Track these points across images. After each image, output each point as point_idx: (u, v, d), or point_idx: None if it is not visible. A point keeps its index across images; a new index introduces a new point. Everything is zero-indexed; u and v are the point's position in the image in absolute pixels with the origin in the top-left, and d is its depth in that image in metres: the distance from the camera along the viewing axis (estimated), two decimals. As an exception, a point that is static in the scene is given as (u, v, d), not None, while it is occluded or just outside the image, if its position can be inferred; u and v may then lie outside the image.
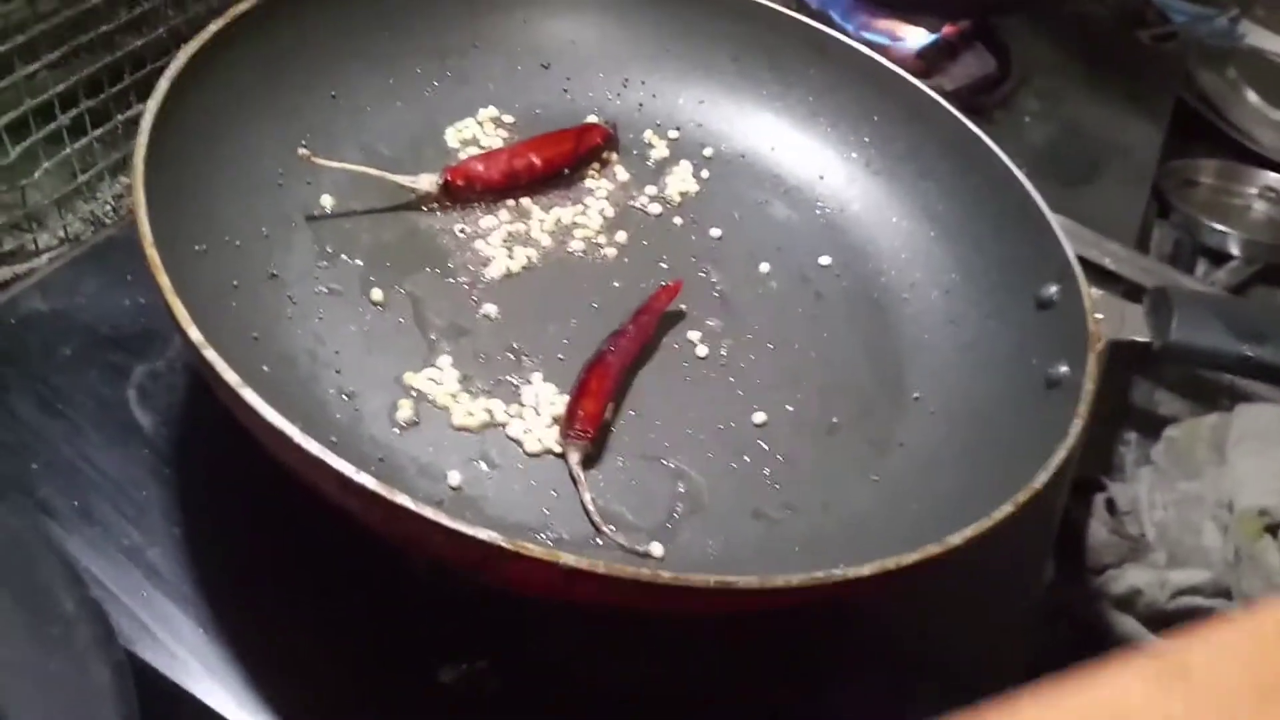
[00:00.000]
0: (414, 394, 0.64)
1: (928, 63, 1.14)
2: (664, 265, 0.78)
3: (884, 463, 0.68)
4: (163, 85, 0.63)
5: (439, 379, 0.65)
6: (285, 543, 0.63)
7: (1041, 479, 0.56)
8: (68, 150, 0.80)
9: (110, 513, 0.64)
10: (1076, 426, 0.59)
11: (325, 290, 0.68)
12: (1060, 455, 0.57)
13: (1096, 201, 1.09)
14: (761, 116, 0.87)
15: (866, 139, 0.85)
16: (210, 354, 0.51)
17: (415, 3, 0.81)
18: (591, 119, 0.85)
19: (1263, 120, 1.46)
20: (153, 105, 0.62)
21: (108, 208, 0.88)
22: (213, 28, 0.68)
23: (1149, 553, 0.88)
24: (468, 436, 0.64)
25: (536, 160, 0.77)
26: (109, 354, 0.72)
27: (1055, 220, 0.72)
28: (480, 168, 0.76)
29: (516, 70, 0.85)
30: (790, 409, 0.70)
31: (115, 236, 0.80)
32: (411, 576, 0.60)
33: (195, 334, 0.51)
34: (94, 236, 0.82)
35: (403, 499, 0.47)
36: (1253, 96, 1.48)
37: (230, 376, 0.50)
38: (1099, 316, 0.66)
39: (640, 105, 0.87)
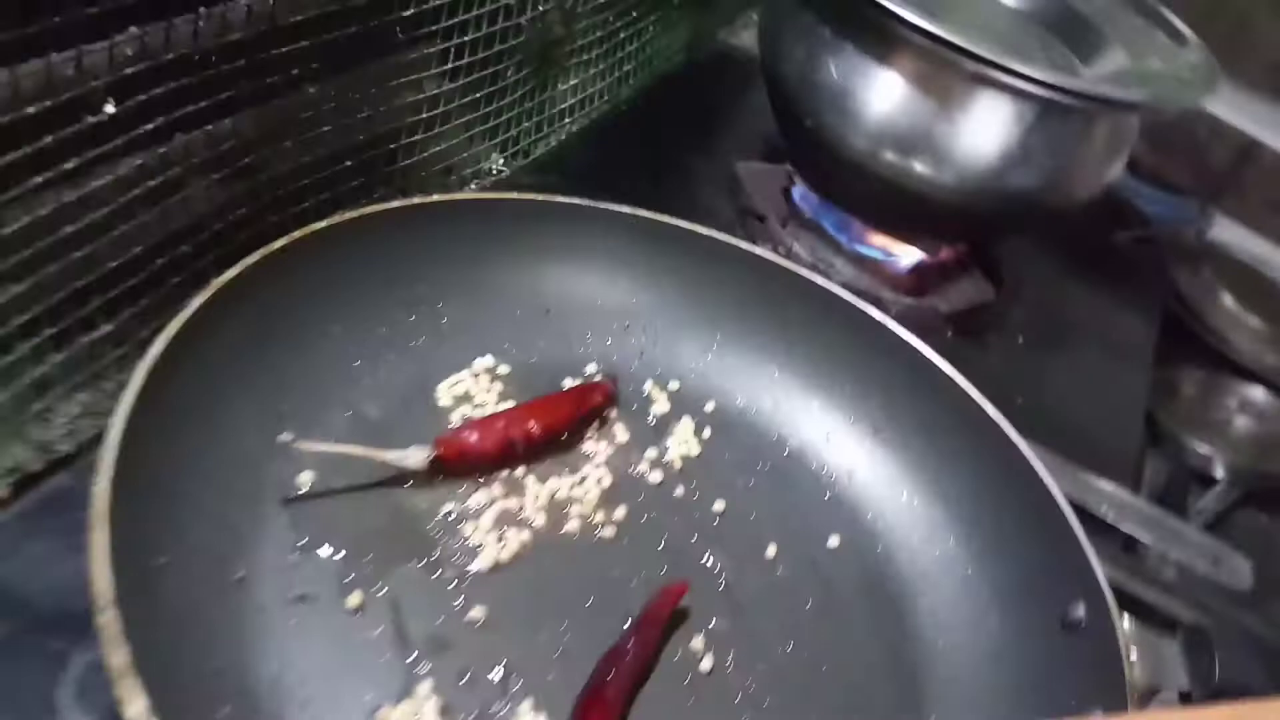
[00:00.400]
0: (390, 735, 0.58)
1: (922, 281, 1.12)
2: (664, 549, 0.72)
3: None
4: (138, 377, 0.57)
5: (418, 712, 0.59)
6: None
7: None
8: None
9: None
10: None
11: (297, 596, 0.62)
12: None
13: (1090, 433, 1.06)
14: (765, 371, 0.83)
15: (875, 404, 0.81)
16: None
17: (413, 250, 0.76)
18: (591, 369, 0.81)
19: (1239, 325, 1.46)
20: (126, 402, 0.56)
21: (61, 433, 0.80)
22: (195, 302, 0.62)
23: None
24: (452, 787, 0.57)
25: (535, 428, 0.72)
26: (46, 638, 0.64)
27: (1082, 531, 0.68)
28: (474, 439, 0.70)
29: (515, 316, 0.80)
30: (803, 740, 0.65)
31: (63, 485, 0.72)
32: None
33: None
34: (42, 474, 0.74)
35: None
36: (1228, 300, 1.49)
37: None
38: (1134, 660, 0.62)
39: (641, 353, 0.83)
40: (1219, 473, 1.22)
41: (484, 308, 0.79)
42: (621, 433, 0.79)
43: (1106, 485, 1.01)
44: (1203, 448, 1.22)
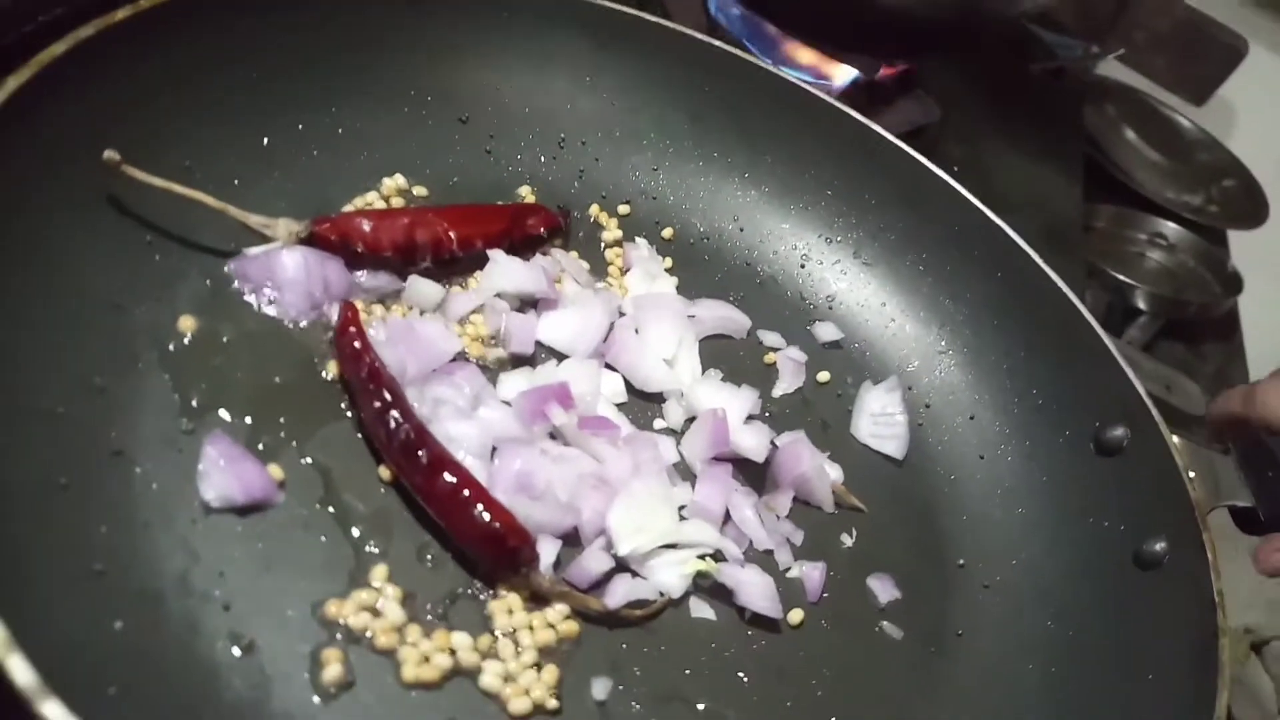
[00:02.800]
0: (342, 635, 0.45)
1: (852, 103, 1.01)
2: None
3: (946, 664, 0.54)
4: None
5: (376, 606, 0.46)
6: None
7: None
8: None
9: None
10: (1225, 650, 0.47)
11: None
12: (1222, 701, 0.45)
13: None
14: (727, 188, 0.71)
15: (853, 220, 0.70)
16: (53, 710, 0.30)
17: (288, 38, 0.59)
18: (524, 191, 0.67)
19: (1142, 161, 1.44)
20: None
21: None
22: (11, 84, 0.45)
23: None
24: (426, 696, 0.45)
25: (450, 234, 0.58)
26: None
27: (1111, 341, 0.60)
28: (365, 227, 0.56)
29: (427, 126, 0.65)
30: (827, 595, 0.55)
31: None
32: None
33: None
34: None
35: None
36: (1131, 136, 1.46)
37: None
38: (1193, 476, 0.55)
39: (582, 172, 0.69)
40: (1141, 304, 1.19)
41: (386, 115, 0.63)
42: (568, 264, 0.65)
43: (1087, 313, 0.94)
44: (1127, 280, 1.18)
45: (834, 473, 0.60)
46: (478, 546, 0.48)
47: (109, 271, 0.50)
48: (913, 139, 1.03)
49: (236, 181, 0.57)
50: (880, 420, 0.63)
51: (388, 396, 0.49)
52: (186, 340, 0.51)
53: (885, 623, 0.55)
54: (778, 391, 0.64)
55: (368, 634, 0.45)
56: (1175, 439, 0.57)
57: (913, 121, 1.00)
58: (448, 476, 0.47)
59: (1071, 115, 1.34)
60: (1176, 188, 1.42)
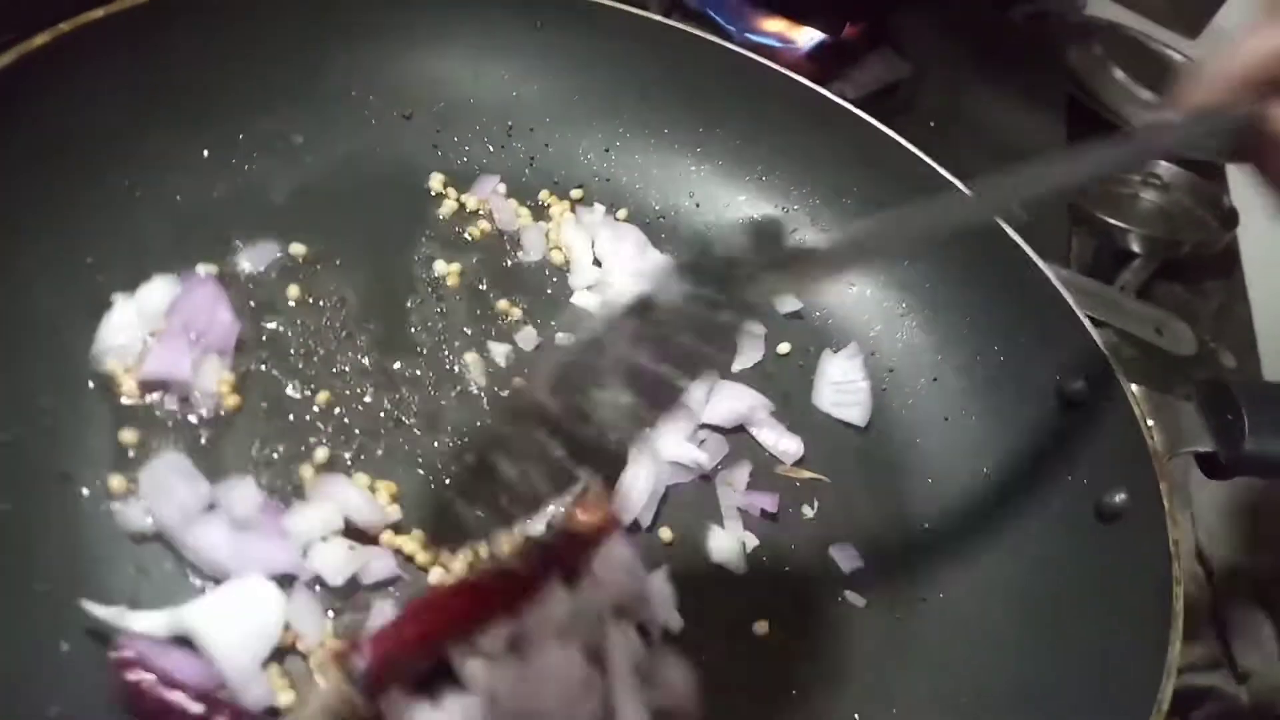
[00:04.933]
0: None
1: (820, 66, 1.00)
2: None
3: (913, 629, 0.54)
4: None
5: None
6: None
7: (1168, 690, 0.43)
8: None
9: None
10: (1179, 599, 0.46)
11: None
12: (1175, 649, 0.45)
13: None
14: (680, 165, 0.71)
15: (807, 189, 0.70)
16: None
17: (222, 44, 0.59)
18: (488, 181, 0.66)
19: (1131, 99, 1.41)
20: None
21: None
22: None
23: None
24: None
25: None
26: None
27: (1070, 296, 0.60)
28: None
29: (371, 125, 0.65)
30: (788, 569, 0.55)
31: None
32: None
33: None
34: None
35: None
36: (1120, 74, 1.43)
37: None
38: (1151, 423, 0.54)
39: (532, 159, 0.69)
40: (1135, 246, 1.16)
41: (329, 117, 0.64)
42: (529, 255, 0.65)
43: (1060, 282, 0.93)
44: (1119, 223, 1.16)
45: (794, 445, 0.60)
46: None
47: (50, 294, 0.50)
48: (886, 96, 1.02)
49: (178, 197, 0.57)
50: (842, 388, 0.63)
51: None
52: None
53: (848, 592, 0.55)
54: (737, 367, 0.63)
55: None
56: (1135, 388, 0.56)
57: (881, 79, 0.98)
58: None
59: (1052, 54, 1.32)
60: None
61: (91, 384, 0.50)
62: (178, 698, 0.39)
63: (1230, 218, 1.21)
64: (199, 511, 0.47)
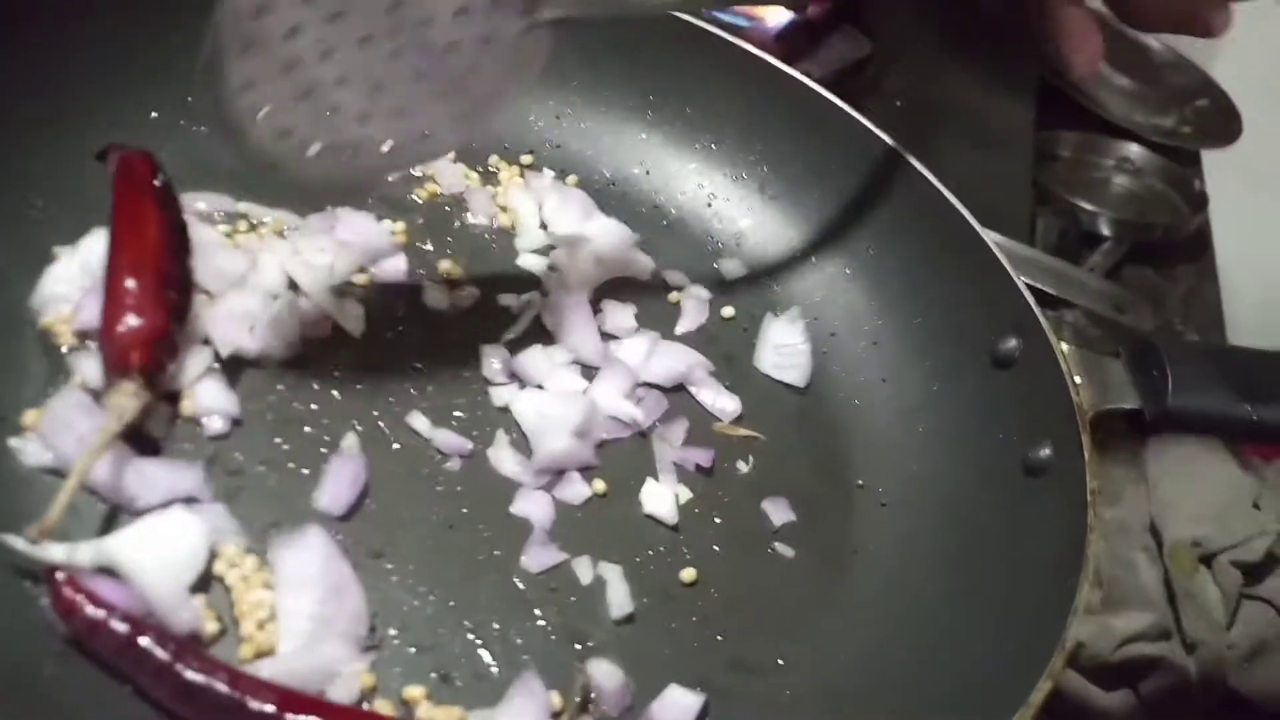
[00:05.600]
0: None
1: (789, 46, 1.00)
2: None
3: (842, 579, 0.55)
4: None
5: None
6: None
7: (1072, 629, 0.44)
8: None
9: None
10: (1091, 546, 0.47)
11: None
12: (1083, 592, 0.45)
13: (982, 193, 0.99)
14: (630, 132, 0.72)
15: (755, 157, 0.71)
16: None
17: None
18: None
19: (1106, 84, 1.41)
20: None
21: None
22: None
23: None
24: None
25: None
26: None
27: (1004, 257, 0.60)
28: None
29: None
30: (719, 521, 0.56)
31: None
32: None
33: None
34: None
35: None
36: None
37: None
38: (1079, 380, 0.55)
39: (481, 125, 0.69)
40: (1105, 229, 1.17)
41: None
42: (475, 217, 0.66)
43: (1003, 240, 0.94)
44: (1088, 206, 1.17)
45: (732, 404, 0.61)
46: None
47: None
48: (853, 76, 1.02)
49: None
50: (783, 351, 0.64)
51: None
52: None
53: (778, 543, 0.56)
54: (680, 329, 0.64)
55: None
56: (1065, 346, 0.57)
57: (845, 58, 0.99)
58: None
59: (1024, 38, 1.32)
60: (1146, 111, 1.39)
61: (29, 332, 0.51)
62: (106, 617, 0.40)
63: (1201, 201, 1.22)
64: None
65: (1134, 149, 1.30)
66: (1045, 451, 0.54)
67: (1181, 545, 0.82)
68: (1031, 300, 0.58)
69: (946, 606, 0.52)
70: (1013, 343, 0.58)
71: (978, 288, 0.61)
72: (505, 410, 0.57)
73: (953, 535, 0.55)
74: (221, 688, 0.40)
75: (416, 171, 0.66)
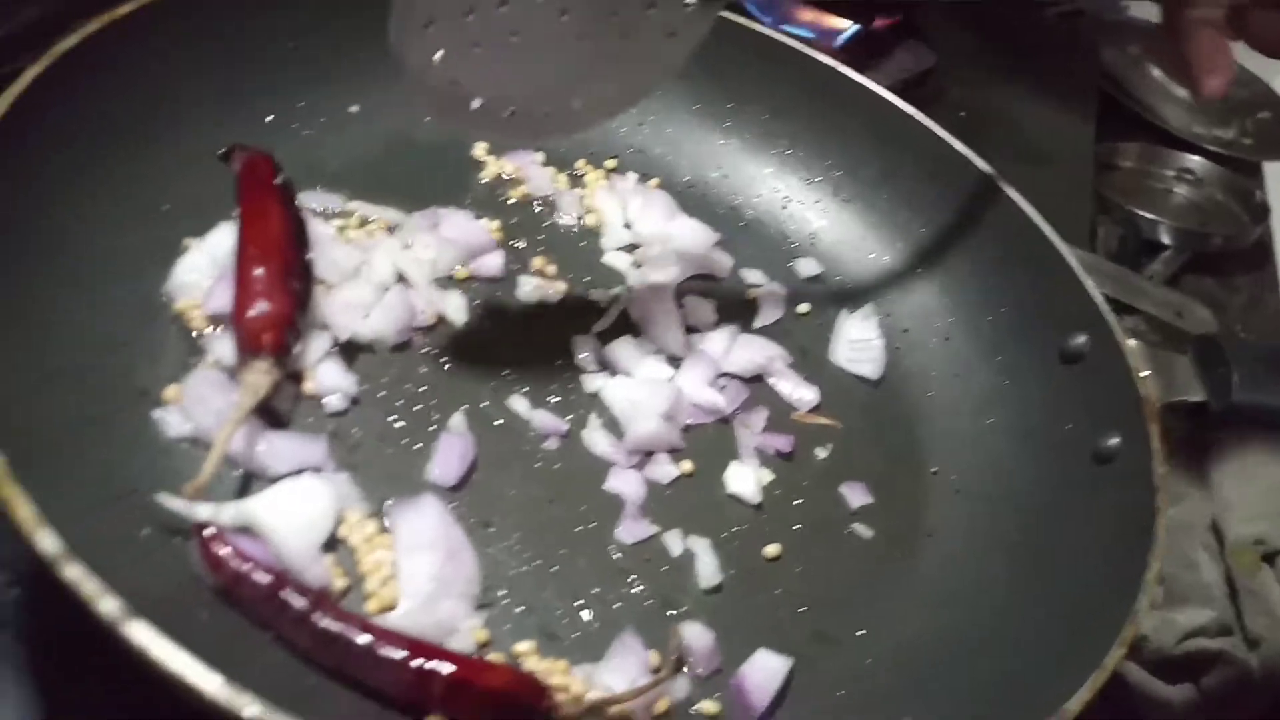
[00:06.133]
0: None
1: (854, 57, 1.03)
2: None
3: (917, 559, 0.58)
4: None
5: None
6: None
7: (1142, 601, 0.46)
8: None
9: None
10: (1161, 527, 0.50)
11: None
12: (1154, 567, 0.48)
13: (1043, 202, 1.01)
14: (710, 138, 0.75)
15: (830, 162, 0.74)
16: (73, 571, 0.36)
17: (296, 15, 0.65)
18: (527, 153, 0.71)
19: (1167, 97, 1.43)
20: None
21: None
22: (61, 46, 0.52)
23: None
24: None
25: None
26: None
27: (1074, 258, 0.63)
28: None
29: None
30: (799, 502, 0.59)
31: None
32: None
33: (48, 543, 0.36)
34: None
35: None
36: (1156, 73, 1.45)
37: (108, 606, 0.35)
38: (1145, 374, 0.57)
39: (569, 131, 0.73)
40: (1165, 238, 1.18)
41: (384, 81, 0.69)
42: (564, 217, 0.70)
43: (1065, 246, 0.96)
44: (1148, 215, 1.18)
45: (810, 394, 0.64)
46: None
47: (132, 238, 0.56)
48: (916, 86, 1.05)
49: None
50: (857, 346, 0.67)
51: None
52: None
53: (856, 524, 0.59)
54: (757, 324, 0.67)
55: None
56: (1132, 342, 0.59)
57: (910, 69, 1.02)
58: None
59: (1086, 52, 1.34)
60: (1206, 123, 1.40)
61: (165, 316, 0.56)
62: (251, 569, 0.44)
63: (1261, 212, 1.23)
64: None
65: (1195, 160, 1.31)
66: (1114, 440, 0.56)
67: (1243, 544, 0.83)
68: (1099, 298, 0.61)
69: (1018, 583, 0.55)
70: (1081, 339, 0.61)
71: (1047, 287, 0.64)
72: (596, 396, 0.60)
73: (1024, 519, 0.57)
74: (355, 635, 0.44)
75: (508, 174, 0.70)
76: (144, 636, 0.35)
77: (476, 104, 0.52)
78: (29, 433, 0.43)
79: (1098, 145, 1.25)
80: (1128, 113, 1.33)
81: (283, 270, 0.55)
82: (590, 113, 0.56)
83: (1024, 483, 0.59)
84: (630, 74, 0.55)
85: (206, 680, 0.35)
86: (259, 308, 0.53)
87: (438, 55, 0.50)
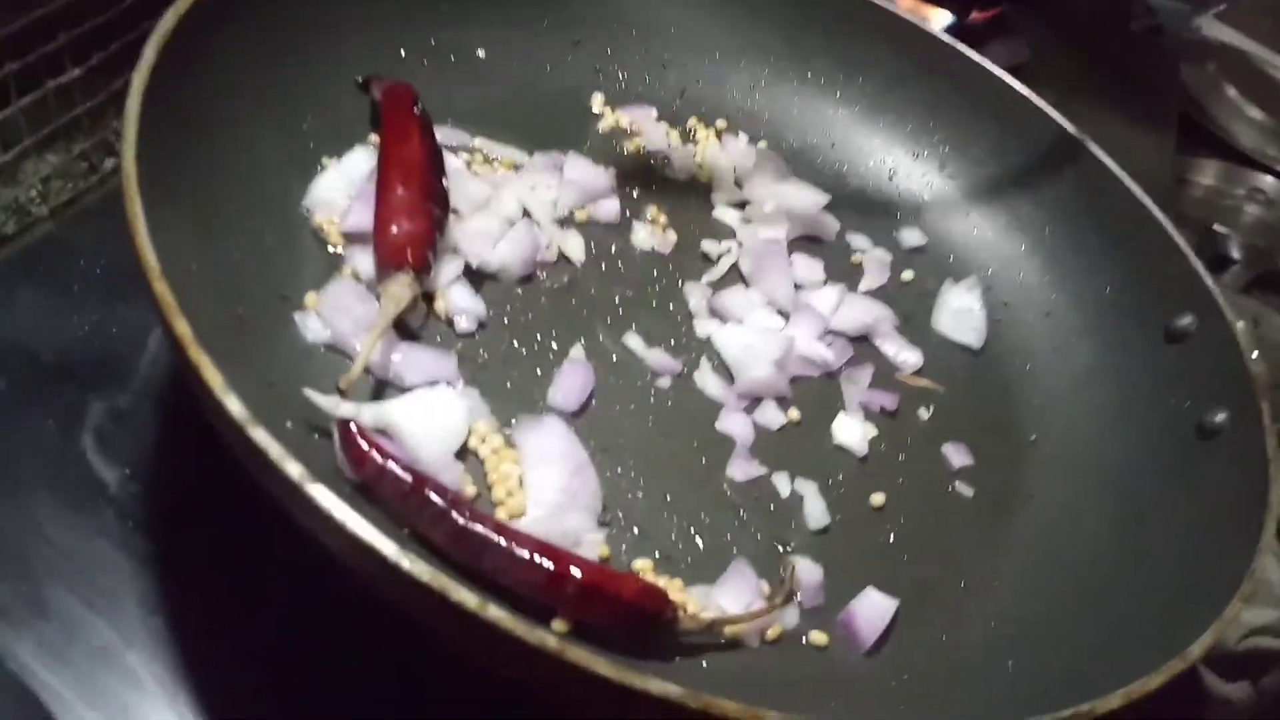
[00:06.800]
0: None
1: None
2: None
3: (1017, 521, 0.59)
4: (152, 47, 0.49)
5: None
6: (299, 628, 0.50)
7: (1258, 562, 0.47)
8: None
9: (72, 602, 0.50)
10: (1275, 495, 0.50)
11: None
12: (1270, 528, 0.49)
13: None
14: (820, 107, 0.76)
15: (938, 138, 0.75)
16: (260, 435, 0.38)
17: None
18: (643, 109, 0.73)
19: (1241, 117, 1.43)
20: (143, 72, 0.47)
21: (33, 193, 0.71)
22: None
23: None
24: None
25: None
26: (56, 388, 0.57)
27: (1182, 239, 0.64)
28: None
29: (545, 47, 0.72)
30: (902, 457, 0.60)
31: (52, 235, 0.64)
32: (446, 664, 0.48)
33: (235, 407, 0.38)
34: (19, 233, 0.65)
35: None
36: (1232, 93, 1.45)
37: (293, 469, 0.37)
38: (1255, 355, 0.58)
39: (683, 91, 0.75)
40: (1234, 253, 1.19)
41: (507, 39, 0.71)
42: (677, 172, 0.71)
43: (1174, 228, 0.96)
44: (1219, 229, 1.19)
45: (914, 357, 0.65)
46: (616, 626, 0.46)
47: (275, 154, 0.58)
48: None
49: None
50: (960, 315, 0.68)
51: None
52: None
53: (958, 482, 0.60)
54: (862, 287, 0.69)
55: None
56: (1240, 323, 0.60)
57: (1000, 63, 1.03)
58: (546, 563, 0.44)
59: (1168, 70, 1.35)
60: (1278, 144, 1.41)
61: (305, 229, 0.57)
62: (394, 466, 0.46)
63: (1329, 233, 1.23)
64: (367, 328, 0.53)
65: (1268, 180, 1.31)
66: (1220, 416, 0.57)
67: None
68: (1209, 278, 0.62)
69: (1116, 550, 0.55)
70: (1188, 319, 0.62)
71: (1153, 267, 0.65)
72: (708, 340, 0.62)
73: (1123, 490, 0.58)
74: (492, 535, 0.46)
75: (625, 125, 0.72)
76: (325, 498, 0.37)
77: None
78: (199, 317, 0.44)
79: (1174, 158, 1.26)
80: (1203, 131, 1.33)
81: (423, 192, 0.56)
82: None
83: (1123, 455, 0.60)
84: None
85: (384, 544, 0.36)
86: (402, 224, 0.55)
87: None
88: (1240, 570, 0.47)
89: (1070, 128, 0.70)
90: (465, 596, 0.35)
